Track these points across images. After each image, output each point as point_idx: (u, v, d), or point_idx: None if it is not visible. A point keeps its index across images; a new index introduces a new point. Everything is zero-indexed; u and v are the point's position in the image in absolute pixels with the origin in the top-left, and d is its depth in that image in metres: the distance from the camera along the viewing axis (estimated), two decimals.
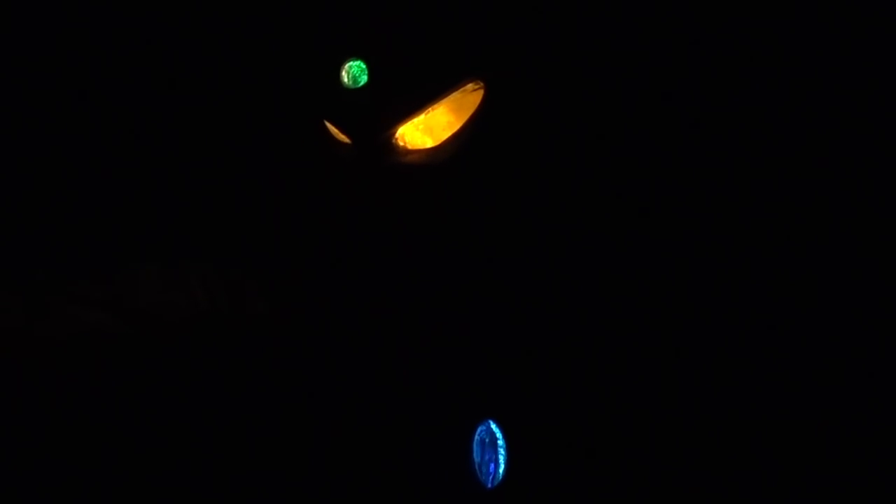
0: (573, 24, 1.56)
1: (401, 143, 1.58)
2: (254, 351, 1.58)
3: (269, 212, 1.69)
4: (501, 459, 1.51)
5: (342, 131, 1.59)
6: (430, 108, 1.57)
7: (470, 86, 1.57)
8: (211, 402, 1.55)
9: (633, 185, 1.55)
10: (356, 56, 1.57)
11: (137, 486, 1.49)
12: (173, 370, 1.52)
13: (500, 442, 1.51)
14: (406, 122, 1.57)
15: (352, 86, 1.57)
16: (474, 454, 1.52)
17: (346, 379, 1.59)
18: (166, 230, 1.64)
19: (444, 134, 1.59)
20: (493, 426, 1.52)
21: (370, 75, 1.56)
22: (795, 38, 1.51)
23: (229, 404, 1.56)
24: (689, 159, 1.52)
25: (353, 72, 1.57)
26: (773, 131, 1.51)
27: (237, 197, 1.70)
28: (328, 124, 1.62)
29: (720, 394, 1.48)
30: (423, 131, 1.60)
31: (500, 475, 1.51)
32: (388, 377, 1.58)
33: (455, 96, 1.57)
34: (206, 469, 1.52)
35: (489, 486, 1.51)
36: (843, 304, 1.48)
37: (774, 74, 1.50)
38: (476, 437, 1.53)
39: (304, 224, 1.68)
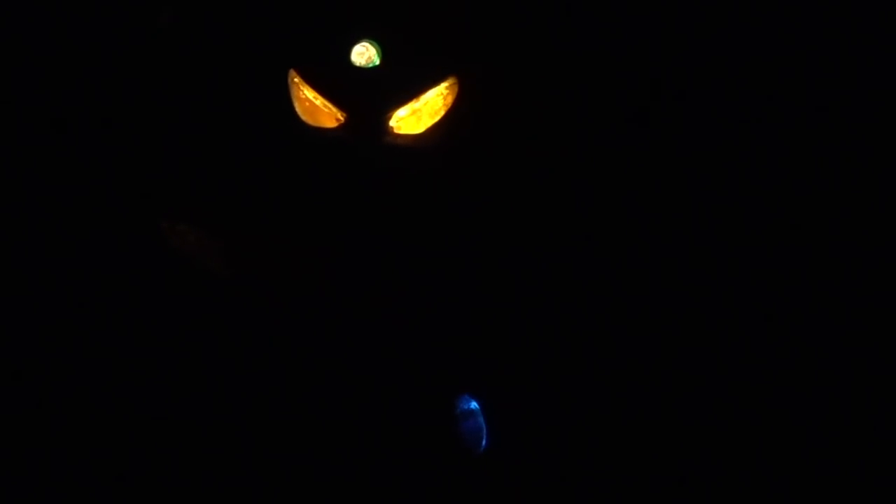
0: (547, 30, 1.73)
1: (393, 127, 1.67)
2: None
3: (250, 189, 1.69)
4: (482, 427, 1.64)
5: (342, 108, 1.65)
6: (425, 96, 1.67)
7: (451, 80, 1.70)
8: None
9: (604, 179, 1.72)
10: (372, 38, 1.64)
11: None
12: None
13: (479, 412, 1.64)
14: (405, 104, 1.66)
15: (365, 65, 1.64)
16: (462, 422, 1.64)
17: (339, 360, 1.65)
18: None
19: (422, 124, 1.70)
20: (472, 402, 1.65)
21: (384, 57, 1.64)
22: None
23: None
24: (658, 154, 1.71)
25: (370, 53, 1.64)
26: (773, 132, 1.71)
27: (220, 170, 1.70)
28: (320, 103, 1.67)
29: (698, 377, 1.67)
30: (407, 120, 1.69)
31: (484, 441, 1.63)
32: (374, 358, 1.65)
33: (441, 89, 1.69)
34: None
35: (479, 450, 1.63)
36: (843, 304, 1.65)
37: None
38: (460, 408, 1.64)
39: (283, 205, 1.70)
